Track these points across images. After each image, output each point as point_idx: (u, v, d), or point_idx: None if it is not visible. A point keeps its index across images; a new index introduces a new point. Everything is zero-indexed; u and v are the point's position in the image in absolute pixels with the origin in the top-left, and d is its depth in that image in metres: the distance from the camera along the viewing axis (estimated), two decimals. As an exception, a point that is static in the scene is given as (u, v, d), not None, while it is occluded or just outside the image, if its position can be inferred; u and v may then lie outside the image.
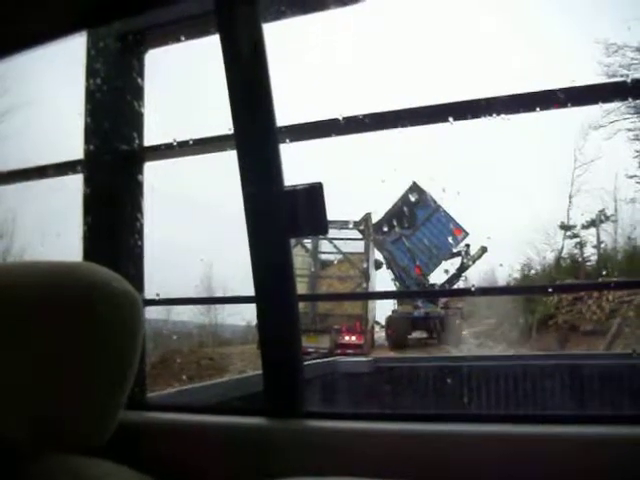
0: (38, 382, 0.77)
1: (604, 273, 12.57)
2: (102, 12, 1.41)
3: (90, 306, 0.79)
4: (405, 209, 13.81)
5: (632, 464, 1.02)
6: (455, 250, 14.12)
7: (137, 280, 1.57)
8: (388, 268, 14.36)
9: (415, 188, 13.52)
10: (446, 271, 13.92)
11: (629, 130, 13.45)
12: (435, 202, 13.55)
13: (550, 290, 2.13)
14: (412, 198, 13.68)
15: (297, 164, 1.61)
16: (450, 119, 1.29)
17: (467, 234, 13.84)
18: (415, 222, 13.92)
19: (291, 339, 1.39)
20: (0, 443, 0.77)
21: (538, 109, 1.24)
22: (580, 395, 3.36)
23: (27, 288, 0.78)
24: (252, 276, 1.37)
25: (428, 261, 13.80)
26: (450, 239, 13.75)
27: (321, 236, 10.07)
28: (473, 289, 1.43)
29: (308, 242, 12.58)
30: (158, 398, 1.87)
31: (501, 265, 15.64)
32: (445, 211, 13.65)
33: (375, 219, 13.37)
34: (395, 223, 13.75)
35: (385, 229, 13.76)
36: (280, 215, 1.34)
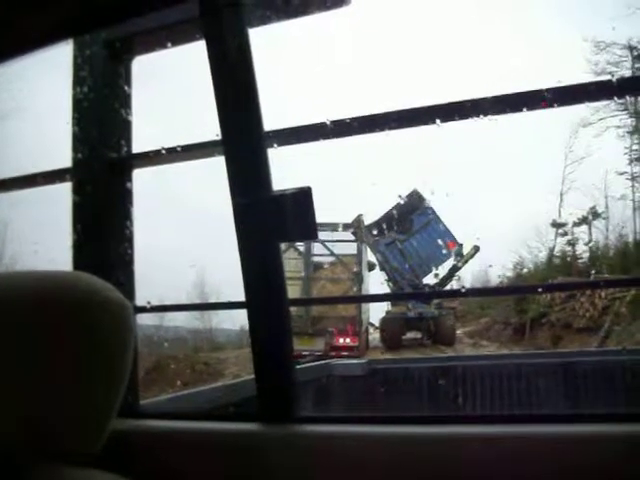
0: (30, 389, 0.76)
1: (593, 272, 12.62)
2: (88, 19, 1.40)
3: (81, 314, 0.79)
4: (402, 214, 13.76)
5: (626, 462, 1.03)
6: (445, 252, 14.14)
7: (128, 288, 1.57)
8: (381, 270, 14.37)
9: (415, 195, 13.47)
10: (436, 275, 13.95)
11: (618, 127, 13.59)
12: (433, 211, 13.58)
13: (541, 290, 2.14)
14: (411, 204, 13.62)
15: (286, 167, 1.61)
16: (437, 121, 1.29)
17: (461, 246, 13.85)
18: (411, 228, 13.92)
19: (283, 343, 1.39)
20: None
21: (525, 109, 1.24)
22: (573, 392, 3.38)
23: (18, 298, 0.78)
24: (242, 281, 1.37)
25: (418, 268, 13.81)
26: (443, 247, 13.75)
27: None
28: (464, 290, 1.44)
29: (300, 245, 12.57)
30: (151, 405, 1.86)
31: (490, 266, 15.62)
32: (442, 221, 13.69)
33: (367, 222, 13.36)
34: (390, 227, 13.73)
35: (379, 232, 13.73)
36: (269, 220, 1.34)
